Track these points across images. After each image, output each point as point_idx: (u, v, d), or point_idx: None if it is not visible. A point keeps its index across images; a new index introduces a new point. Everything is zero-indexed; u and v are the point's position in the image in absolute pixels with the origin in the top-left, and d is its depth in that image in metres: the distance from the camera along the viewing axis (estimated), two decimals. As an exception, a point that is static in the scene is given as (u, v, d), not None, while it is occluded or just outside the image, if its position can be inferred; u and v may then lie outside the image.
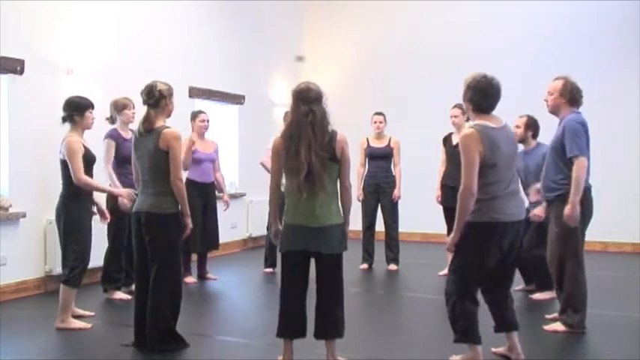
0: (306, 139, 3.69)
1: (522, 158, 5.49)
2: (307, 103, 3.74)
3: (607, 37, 8.62)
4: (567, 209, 4.44)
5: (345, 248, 3.87)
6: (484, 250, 3.74)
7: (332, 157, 3.75)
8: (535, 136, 5.78)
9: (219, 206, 6.85)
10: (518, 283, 5.57)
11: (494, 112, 3.86)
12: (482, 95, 3.78)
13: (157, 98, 4.18)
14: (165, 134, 4.12)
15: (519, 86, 7.38)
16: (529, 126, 5.73)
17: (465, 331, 3.79)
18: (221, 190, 6.90)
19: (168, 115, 4.32)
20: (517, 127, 5.67)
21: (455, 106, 6.53)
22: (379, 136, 7.34)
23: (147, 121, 4.20)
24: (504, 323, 3.94)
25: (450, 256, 3.96)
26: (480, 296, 3.91)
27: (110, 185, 5.55)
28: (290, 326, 3.85)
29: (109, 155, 5.62)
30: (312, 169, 3.68)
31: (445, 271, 6.88)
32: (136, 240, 4.28)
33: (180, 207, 4.21)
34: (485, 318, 3.94)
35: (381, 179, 7.26)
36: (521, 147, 5.37)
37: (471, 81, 3.82)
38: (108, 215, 5.20)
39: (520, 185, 3.88)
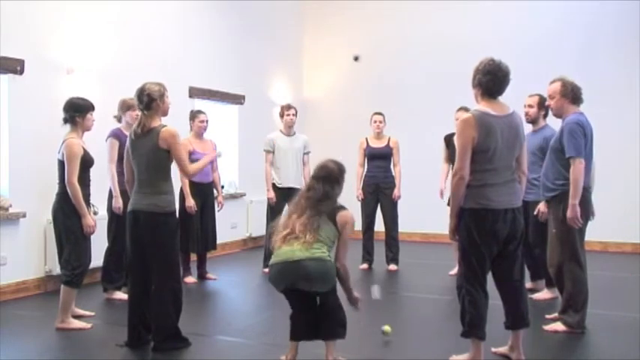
0: (299, 210, 3.84)
1: (527, 139, 5.43)
2: (315, 178, 3.94)
3: (606, 36, 8.62)
4: (568, 212, 4.45)
5: (331, 285, 3.77)
6: (474, 235, 3.73)
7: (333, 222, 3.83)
8: (546, 115, 5.56)
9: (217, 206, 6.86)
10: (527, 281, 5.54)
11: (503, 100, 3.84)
12: (490, 77, 3.76)
13: (146, 102, 4.21)
14: (164, 133, 4.15)
15: (516, 86, 7.34)
16: (542, 105, 5.52)
17: (472, 323, 3.76)
18: (217, 191, 6.90)
19: (164, 114, 4.32)
20: (530, 106, 5.56)
21: (460, 109, 6.46)
22: (378, 136, 7.34)
23: (141, 124, 4.23)
24: (514, 319, 3.90)
25: (456, 255, 3.95)
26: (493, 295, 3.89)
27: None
28: (302, 330, 3.85)
29: (112, 154, 5.63)
30: (294, 234, 3.78)
31: (455, 270, 6.92)
32: (132, 239, 4.28)
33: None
34: (488, 318, 3.92)
35: (381, 179, 7.25)
36: (529, 128, 5.17)
37: (479, 65, 3.83)
38: (93, 230, 4.85)
39: (516, 175, 3.86)
